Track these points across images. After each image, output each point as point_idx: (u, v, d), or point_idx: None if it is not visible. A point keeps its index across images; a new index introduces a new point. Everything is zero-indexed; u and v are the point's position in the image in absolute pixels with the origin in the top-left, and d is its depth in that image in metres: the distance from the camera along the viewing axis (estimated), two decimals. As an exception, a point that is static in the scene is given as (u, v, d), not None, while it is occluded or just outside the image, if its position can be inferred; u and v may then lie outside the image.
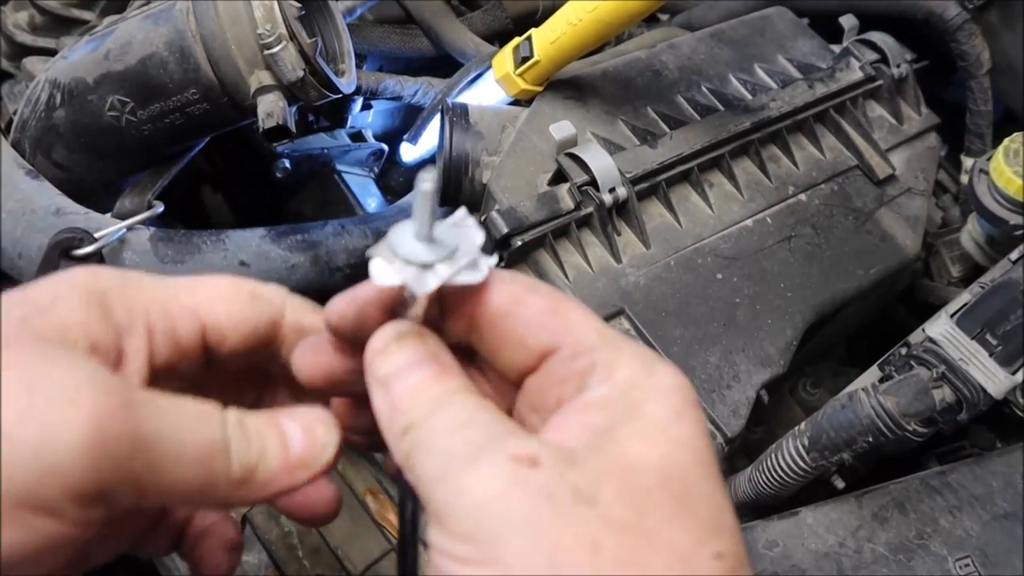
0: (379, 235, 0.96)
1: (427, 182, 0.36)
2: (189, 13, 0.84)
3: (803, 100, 0.96)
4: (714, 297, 0.84)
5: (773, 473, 0.79)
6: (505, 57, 0.94)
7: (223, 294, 0.41)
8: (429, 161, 1.16)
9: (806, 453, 0.77)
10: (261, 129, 0.84)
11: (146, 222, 0.87)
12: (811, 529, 0.75)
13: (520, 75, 0.92)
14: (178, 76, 0.84)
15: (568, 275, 0.81)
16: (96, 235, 0.82)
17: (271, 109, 0.83)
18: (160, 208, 0.89)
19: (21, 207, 0.86)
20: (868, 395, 0.77)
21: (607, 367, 0.37)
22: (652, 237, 0.85)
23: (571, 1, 0.86)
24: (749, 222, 0.90)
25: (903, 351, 0.84)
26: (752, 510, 0.81)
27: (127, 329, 0.37)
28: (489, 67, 0.98)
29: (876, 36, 1.05)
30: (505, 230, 0.78)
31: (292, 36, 0.82)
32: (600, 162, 0.82)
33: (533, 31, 0.91)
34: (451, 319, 0.39)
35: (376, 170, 1.22)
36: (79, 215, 0.86)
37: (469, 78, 1.00)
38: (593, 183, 0.82)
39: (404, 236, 0.37)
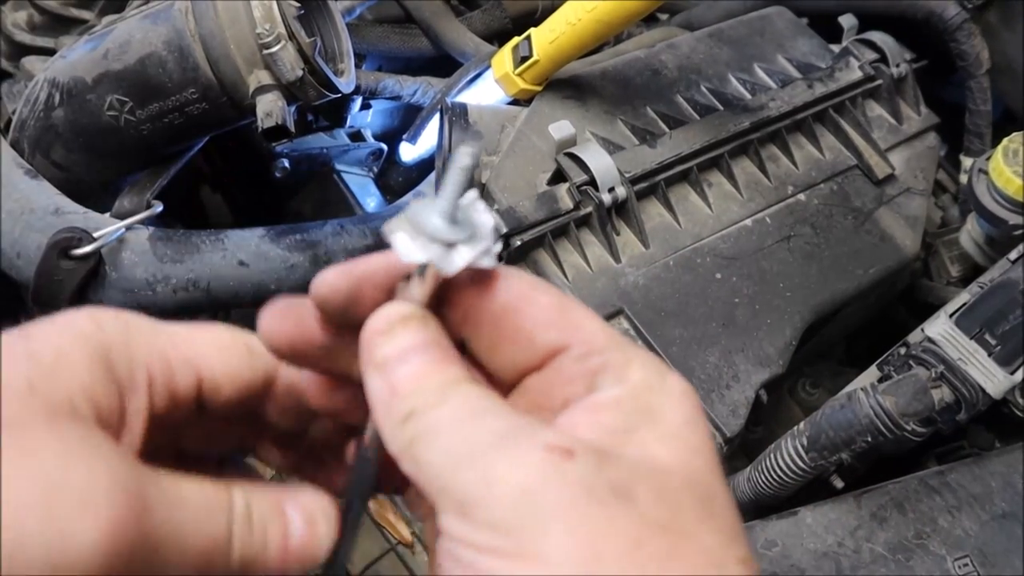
0: (378, 235, 0.96)
1: (466, 156, 0.35)
2: (188, 12, 0.84)
3: (802, 100, 0.96)
4: (713, 297, 0.84)
5: (772, 473, 0.79)
6: (504, 57, 0.94)
7: (221, 346, 0.40)
8: (428, 161, 1.16)
9: (805, 453, 0.77)
10: (260, 129, 0.84)
11: (145, 222, 0.87)
12: (810, 529, 0.75)
13: (519, 75, 0.92)
14: (177, 76, 0.84)
15: (567, 275, 0.81)
16: (95, 235, 0.82)
17: (270, 109, 0.83)
18: (159, 208, 0.89)
19: (20, 207, 0.86)
20: (867, 395, 0.77)
21: (619, 369, 0.36)
22: (651, 237, 0.85)
23: (570, 1, 0.86)
24: (748, 222, 0.90)
25: (902, 351, 0.84)
26: (751, 510, 0.81)
27: (129, 387, 0.36)
28: (488, 67, 0.98)
29: (875, 36, 1.05)
30: (504, 230, 0.78)
31: (291, 36, 0.82)
32: (599, 162, 0.82)
33: (532, 31, 0.91)
34: (447, 309, 0.38)
35: (375, 170, 1.22)
36: (78, 215, 0.86)
37: (468, 78, 1.00)
38: (592, 183, 0.82)
39: (428, 213, 0.35)
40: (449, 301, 0.38)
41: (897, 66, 1.03)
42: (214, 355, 0.39)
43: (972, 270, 1.01)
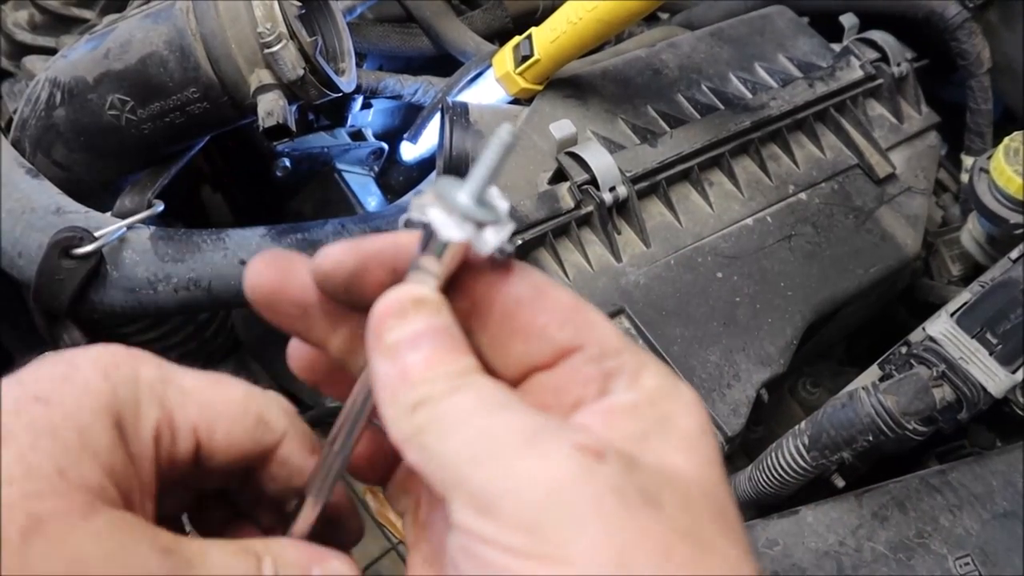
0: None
1: (507, 133, 0.33)
2: (189, 12, 0.84)
3: (803, 99, 0.96)
4: (714, 296, 0.84)
5: (773, 472, 0.79)
6: (505, 56, 0.94)
7: (229, 413, 0.38)
8: (429, 160, 1.16)
9: (806, 452, 0.77)
10: (261, 128, 0.84)
11: (146, 221, 0.87)
12: (811, 528, 0.75)
13: (520, 74, 0.92)
14: (178, 75, 0.84)
15: (568, 274, 0.81)
16: (96, 234, 0.82)
17: (271, 108, 0.83)
18: (160, 207, 0.89)
19: (21, 206, 0.86)
20: (868, 394, 0.77)
21: (633, 373, 0.35)
22: (652, 236, 0.85)
23: (571, 0, 0.86)
24: (749, 221, 0.90)
25: (903, 350, 0.84)
26: (752, 509, 0.82)
27: (140, 459, 0.36)
28: (489, 66, 0.98)
29: (876, 35, 1.05)
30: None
31: (292, 35, 0.82)
32: (600, 161, 0.82)
33: (533, 30, 0.91)
34: (455, 298, 0.36)
35: (376, 169, 1.22)
36: (79, 214, 0.86)
37: (469, 77, 1.00)
38: (593, 182, 0.82)
39: (458, 191, 0.34)
40: (458, 289, 0.36)
41: (898, 65, 1.03)
42: (219, 423, 0.38)
43: (973, 269, 1.01)
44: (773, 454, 0.79)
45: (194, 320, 1.05)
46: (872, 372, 0.86)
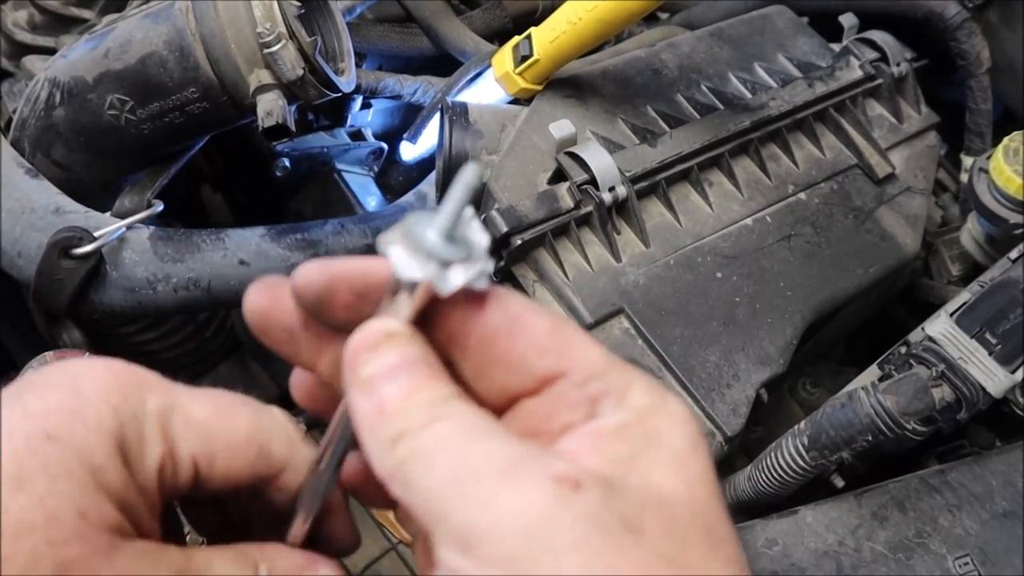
0: (378, 234, 0.96)
1: (471, 174, 0.34)
2: (189, 12, 0.84)
3: (803, 99, 0.96)
4: (714, 296, 0.84)
5: (773, 472, 0.79)
6: (505, 56, 0.94)
7: (231, 446, 0.38)
8: (429, 160, 1.16)
9: (805, 452, 0.77)
10: (261, 128, 0.84)
11: (146, 221, 0.88)
12: (810, 528, 0.75)
13: (520, 74, 0.92)
14: (177, 75, 0.84)
15: (568, 274, 0.81)
16: (96, 234, 0.82)
17: (271, 108, 0.83)
18: (160, 207, 0.89)
19: (20, 206, 0.86)
20: (868, 394, 0.77)
21: (619, 393, 0.35)
22: (652, 236, 0.85)
23: (570, 0, 0.86)
24: (749, 221, 0.90)
25: (903, 350, 0.84)
26: (752, 509, 0.82)
27: (145, 489, 0.36)
28: (489, 66, 0.98)
29: (876, 35, 1.05)
30: (505, 229, 0.78)
31: (291, 35, 0.82)
32: (600, 161, 0.82)
33: (533, 30, 0.91)
34: (433, 328, 0.36)
35: (376, 169, 1.22)
36: (78, 214, 0.86)
37: (469, 77, 1.00)
38: (593, 182, 0.82)
39: (426, 228, 0.34)
40: (435, 320, 0.36)
41: (898, 65, 1.03)
42: (220, 453, 0.38)
43: (972, 269, 1.01)
44: (772, 454, 0.79)
45: (194, 320, 1.05)
46: (871, 372, 0.86)
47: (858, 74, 1.01)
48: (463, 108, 0.90)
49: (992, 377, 0.76)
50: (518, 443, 0.32)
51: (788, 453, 0.78)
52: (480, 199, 0.88)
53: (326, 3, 0.93)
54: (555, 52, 0.89)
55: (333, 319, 0.37)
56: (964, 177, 1.07)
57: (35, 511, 0.32)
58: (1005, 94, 1.12)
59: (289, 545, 0.40)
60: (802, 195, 0.94)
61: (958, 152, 1.11)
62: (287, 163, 1.12)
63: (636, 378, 0.36)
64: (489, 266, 0.35)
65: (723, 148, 0.90)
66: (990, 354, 0.77)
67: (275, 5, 0.82)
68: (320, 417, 0.42)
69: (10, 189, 0.87)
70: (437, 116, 0.93)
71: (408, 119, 1.21)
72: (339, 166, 1.17)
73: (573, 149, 0.83)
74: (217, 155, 1.20)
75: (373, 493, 0.41)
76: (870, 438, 0.76)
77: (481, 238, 0.35)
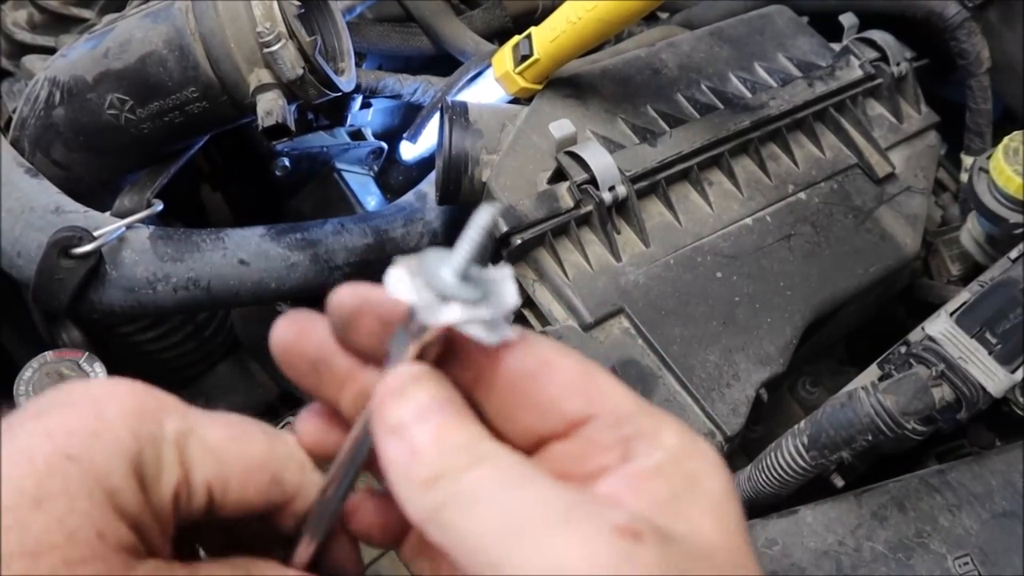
0: (379, 234, 0.96)
1: (487, 215, 0.33)
2: (188, 11, 0.84)
3: (803, 98, 0.96)
4: (714, 296, 0.84)
5: (772, 472, 0.79)
6: (505, 55, 0.94)
7: (244, 472, 0.38)
8: (429, 160, 1.16)
9: (805, 452, 0.77)
10: (260, 127, 0.83)
11: (145, 221, 0.87)
12: (810, 528, 0.75)
13: (520, 73, 0.92)
14: (177, 74, 0.84)
15: (568, 274, 0.81)
16: (95, 234, 0.82)
17: (270, 107, 0.83)
18: (159, 207, 0.89)
19: (20, 205, 0.86)
20: (867, 394, 0.77)
21: (652, 435, 0.35)
22: (652, 236, 0.85)
23: (570, 0, 0.86)
24: (749, 221, 0.90)
25: (903, 350, 0.84)
26: (751, 509, 0.82)
27: (160, 513, 0.36)
28: (489, 65, 0.98)
29: (876, 34, 1.05)
30: (504, 229, 0.78)
31: (291, 34, 0.82)
32: (600, 160, 0.82)
33: (533, 29, 0.91)
34: (459, 369, 0.36)
35: (376, 168, 1.22)
36: (78, 214, 0.86)
37: (469, 76, 1.00)
38: (593, 181, 0.82)
39: (438, 261, 0.34)
40: (460, 360, 0.37)
41: (898, 65, 1.03)
42: (233, 483, 0.38)
43: (972, 269, 1.01)
44: (772, 454, 0.79)
45: (193, 320, 1.05)
46: (871, 372, 0.86)
47: (858, 74, 1.01)
48: (463, 108, 0.90)
49: (992, 377, 0.76)
50: (567, 488, 0.32)
51: (788, 453, 0.78)
52: (482, 199, 0.88)
53: (326, 3, 0.93)
54: (555, 52, 0.89)
55: (358, 344, 0.38)
56: (964, 177, 1.07)
57: (54, 531, 0.32)
58: (1005, 94, 1.12)
59: (294, 566, 0.40)
60: (802, 195, 0.94)
61: (958, 152, 1.11)
62: (287, 163, 1.12)
63: (666, 420, 0.36)
64: (503, 323, 0.35)
65: (723, 148, 0.90)
66: (990, 354, 0.77)
67: (275, 5, 0.82)
68: (327, 456, 0.41)
69: (10, 189, 0.87)
70: (437, 116, 0.93)
71: (408, 119, 1.21)
72: (339, 166, 1.16)
73: (573, 149, 0.83)
74: (217, 154, 1.19)
75: (374, 534, 0.41)
76: (870, 438, 0.76)
77: (509, 297, 0.35)
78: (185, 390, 1.12)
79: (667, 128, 0.92)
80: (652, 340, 0.79)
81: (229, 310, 1.11)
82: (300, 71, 0.82)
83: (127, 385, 0.37)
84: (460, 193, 0.89)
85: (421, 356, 0.35)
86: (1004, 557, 0.74)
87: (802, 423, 0.79)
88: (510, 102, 0.97)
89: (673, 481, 0.34)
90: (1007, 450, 0.81)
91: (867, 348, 1.03)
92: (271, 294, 0.90)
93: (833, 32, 1.09)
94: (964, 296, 0.83)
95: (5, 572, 0.31)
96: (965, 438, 0.89)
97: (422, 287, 0.33)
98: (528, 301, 0.83)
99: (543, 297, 0.82)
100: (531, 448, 0.37)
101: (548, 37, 0.88)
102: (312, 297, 1.09)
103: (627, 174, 0.83)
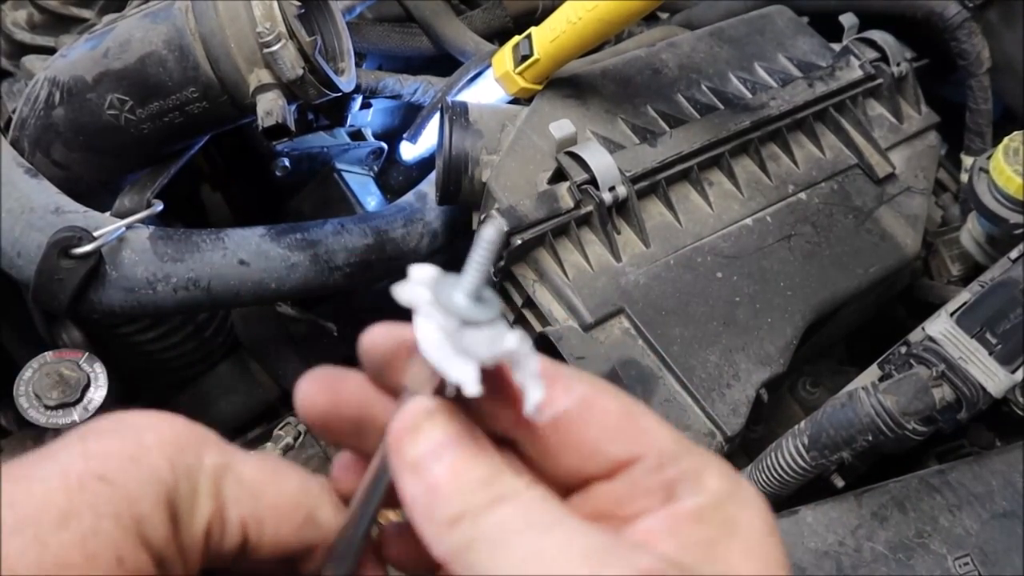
0: (378, 234, 0.96)
1: (494, 232, 0.33)
2: (188, 11, 0.84)
3: (803, 99, 0.96)
4: (714, 296, 0.84)
5: (773, 472, 0.79)
6: (505, 55, 0.94)
7: (280, 510, 0.38)
8: (429, 160, 1.16)
9: (806, 452, 0.77)
10: (260, 128, 0.83)
11: (145, 221, 0.87)
12: (811, 528, 0.75)
13: (520, 73, 0.92)
14: (177, 74, 0.84)
15: (568, 274, 0.81)
16: (95, 234, 0.82)
17: (270, 107, 0.83)
18: (159, 207, 0.89)
19: (20, 206, 0.86)
20: (868, 394, 0.77)
21: (696, 476, 0.35)
22: (652, 236, 0.85)
23: (571, 0, 0.86)
24: (749, 221, 0.90)
25: (903, 350, 0.84)
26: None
27: (188, 551, 0.36)
28: (489, 65, 0.98)
29: (876, 35, 1.05)
30: (505, 229, 0.78)
31: (291, 34, 0.82)
32: (600, 161, 0.82)
33: (533, 29, 0.91)
34: (499, 408, 0.36)
35: (376, 169, 1.22)
36: (78, 214, 0.86)
37: (469, 76, 1.00)
38: (593, 182, 0.82)
39: (454, 292, 0.33)
40: (500, 399, 0.36)
41: (898, 65, 1.03)
42: (268, 521, 0.37)
43: (973, 269, 1.01)
44: (773, 454, 0.79)
45: (193, 320, 1.05)
46: (872, 372, 0.86)
47: (858, 74, 1.01)
48: (463, 108, 0.90)
49: (992, 377, 0.76)
50: (595, 530, 0.32)
51: (788, 453, 0.78)
52: (482, 199, 0.88)
53: (326, 3, 0.93)
54: (555, 52, 0.89)
55: (396, 383, 0.37)
56: (964, 177, 1.07)
57: (75, 550, 0.31)
58: (1005, 94, 1.12)
59: None
60: (802, 195, 0.94)
61: (958, 152, 1.11)
62: (287, 163, 1.12)
63: (710, 460, 0.36)
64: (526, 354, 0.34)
65: (723, 148, 0.90)
66: (990, 354, 0.77)
67: (275, 5, 0.82)
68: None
69: (10, 189, 0.87)
70: (437, 116, 0.93)
71: (408, 119, 1.21)
72: (339, 166, 1.16)
73: (573, 149, 0.83)
74: (217, 155, 1.19)
75: (410, 565, 0.41)
76: (870, 438, 0.76)
77: (510, 342, 0.34)
78: (185, 390, 1.13)
79: (667, 128, 0.92)
80: (652, 340, 0.79)
81: (229, 310, 1.11)
82: (300, 71, 0.82)
83: (169, 417, 0.37)
84: (460, 193, 0.89)
85: (440, 390, 0.35)
86: (1004, 557, 0.74)
87: (802, 423, 0.79)
88: (510, 102, 0.97)
89: (711, 525, 0.34)
90: (1007, 450, 0.81)
91: (867, 348, 1.03)
92: (271, 294, 0.90)
93: (833, 32, 1.09)
94: (964, 296, 0.83)
95: None
96: (965, 438, 0.89)
97: (458, 356, 0.33)
98: (528, 301, 0.83)
99: (543, 297, 0.82)
100: (574, 487, 0.36)
101: (548, 37, 0.88)
102: (311, 297, 1.09)
103: (627, 174, 0.83)
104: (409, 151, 1.16)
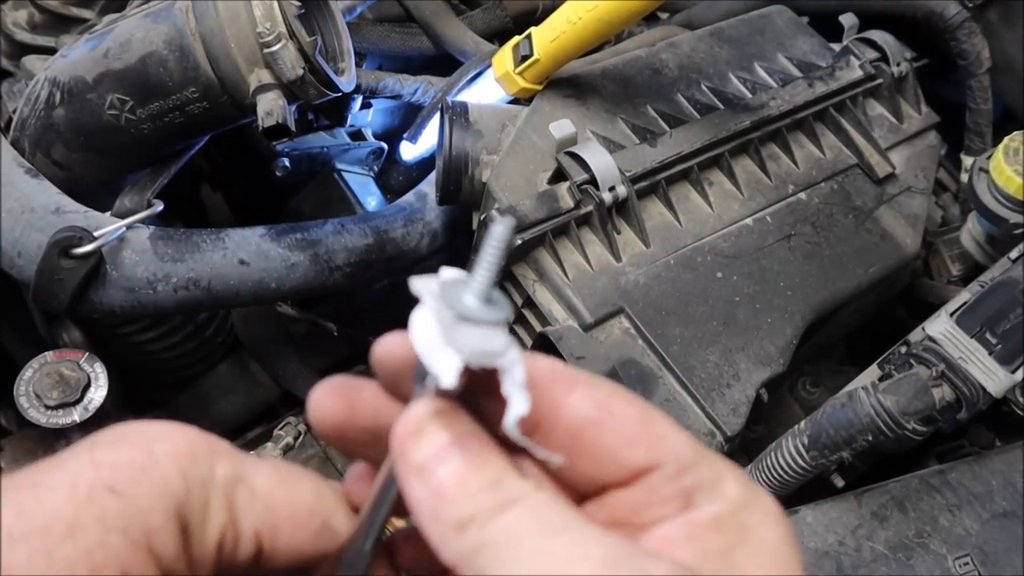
0: (378, 233, 0.96)
1: (505, 230, 0.33)
2: (189, 11, 0.84)
3: (803, 99, 0.96)
4: (714, 296, 0.84)
5: (773, 472, 0.79)
6: (505, 56, 0.94)
7: (295, 518, 0.37)
8: (429, 160, 1.16)
9: (806, 452, 0.77)
10: (260, 128, 0.83)
11: (146, 221, 0.87)
12: (811, 528, 0.75)
13: (520, 73, 0.92)
14: (178, 74, 0.84)
15: (568, 274, 0.81)
16: (96, 234, 0.82)
17: (271, 108, 0.83)
18: (159, 207, 0.89)
19: (20, 206, 0.86)
20: (868, 394, 0.77)
21: (713, 484, 0.35)
22: (652, 236, 0.85)
23: (571, 0, 0.86)
24: (749, 221, 0.90)
25: (903, 350, 0.84)
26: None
27: (199, 564, 0.35)
28: (489, 66, 0.98)
29: (876, 35, 1.05)
30: (514, 226, 0.78)
31: (292, 34, 0.82)
32: (600, 161, 0.82)
33: (533, 29, 0.91)
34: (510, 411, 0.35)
35: (376, 169, 1.22)
36: (78, 214, 0.86)
37: (469, 77, 1.00)
38: (593, 182, 0.82)
39: (462, 287, 0.33)
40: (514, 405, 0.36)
41: (898, 65, 1.03)
42: (283, 529, 0.37)
43: (973, 269, 1.01)
44: (773, 454, 0.79)
45: (193, 320, 1.05)
46: (872, 372, 0.86)
47: (858, 74, 1.01)
48: (463, 108, 0.90)
49: (992, 377, 0.76)
50: (608, 536, 0.32)
51: (788, 453, 0.78)
52: (482, 199, 0.88)
53: (326, 3, 0.93)
54: (555, 52, 0.89)
55: (409, 392, 0.37)
56: (964, 177, 1.07)
57: (80, 562, 0.31)
58: (1005, 94, 1.12)
59: None
60: (802, 195, 0.94)
61: (958, 152, 1.11)
62: (287, 163, 1.12)
63: (727, 469, 0.36)
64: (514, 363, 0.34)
65: (723, 148, 0.90)
66: (990, 354, 0.77)
67: (275, 5, 0.82)
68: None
69: (10, 189, 0.87)
70: (437, 116, 0.93)
71: (408, 119, 1.21)
72: (339, 166, 1.16)
73: (573, 149, 0.83)
74: (217, 155, 1.19)
75: (422, 568, 0.40)
76: (870, 438, 0.76)
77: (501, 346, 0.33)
78: (185, 390, 1.13)
79: (667, 128, 0.92)
80: (652, 340, 0.79)
81: (229, 310, 1.11)
82: (300, 71, 0.82)
83: (181, 427, 0.37)
84: (460, 193, 0.89)
85: (444, 393, 0.34)
86: (1004, 557, 0.74)
87: (802, 423, 0.79)
88: (510, 102, 0.97)
89: (728, 533, 0.34)
90: (1007, 450, 0.81)
91: (867, 348, 1.03)
92: (271, 294, 0.90)
93: (833, 32, 1.09)
94: (964, 296, 0.83)
95: None
96: (965, 438, 0.89)
97: (438, 334, 0.33)
98: (528, 301, 0.83)
99: (543, 297, 0.82)
100: (591, 494, 0.36)
101: (548, 37, 0.88)
102: (311, 297, 1.09)
103: (627, 174, 0.83)
104: (409, 151, 1.17)
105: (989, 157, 0.92)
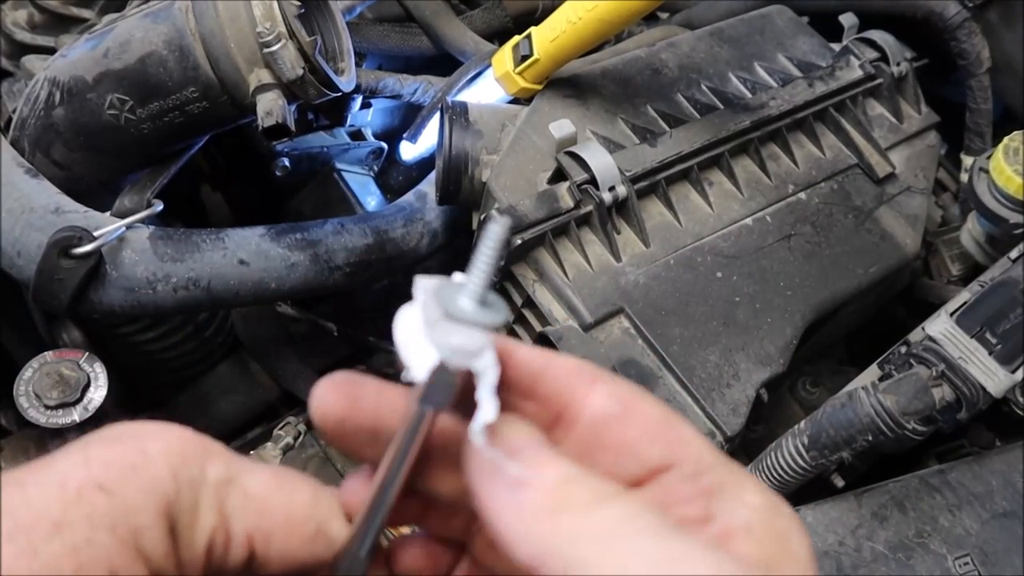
0: (378, 233, 0.96)
1: (502, 228, 0.33)
2: (188, 11, 0.84)
3: (803, 98, 0.96)
4: (714, 296, 0.84)
5: (773, 472, 0.79)
6: (505, 55, 0.94)
7: (289, 523, 0.37)
8: (429, 160, 1.16)
9: (805, 452, 0.77)
10: (260, 127, 0.83)
11: (145, 221, 0.87)
12: (811, 528, 0.75)
13: (520, 73, 0.92)
14: (177, 74, 0.84)
15: (568, 274, 0.81)
16: (95, 234, 0.82)
17: (270, 107, 0.83)
18: (159, 207, 0.89)
19: (20, 205, 0.86)
20: (868, 394, 0.77)
21: (735, 491, 0.35)
22: (652, 236, 0.85)
23: (571, 0, 0.86)
24: (749, 221, 0.90)
25: (903, 350, 0.84)
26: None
27: (188, 566, 0.35)
28: (489, 65, 0.98)
29: (876, 34, 1.05)
30: (510, 226, 0.78)
31: (291, 34, 0.82)
32: (600, 160, 0.82)
33: (533, 29, 0.91)
34: (537, 409, 0.36)
35: (376, 169, 1.22)
36: (78, 214, 0.86)
37: (469, 76, 1.00)
38: (593, 181, 0.82)
39: (460, 297, 0.33)
40: (540, 400, 0.36)
41: (898, 65, 1.03)
42: (276, 534, 0.37)
43: (972, 269, 1.02)
44: (773, 454, 0.79)
45: (193, 320, 1.05)
46: (872, 372, 0.86)
47: (858, 74, 1.01)
48: (463, 108, 0.90)
49: (992, 377, 0.76)
50: (708, 547, 0.32)
51: (788, 453, 0.78)
52: (482, 199, 0.88)
53: (326, 3, 0.93)
54: (555, 52, 0.89)
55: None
56: (964, 177, 1.07)
57: (65, 560, 0.31)
58: (1005, 94, 1.12)
59: None
60: (802, 195, 0.94)
61: (958, 152, 1.11)
62: (287, 163, 1.12)
63: (745, 475, 0.36)
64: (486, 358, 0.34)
65: (723, 148, 0.90)
66: (990, 354, 0.77)
67: (275, 5, 0.82)
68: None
69: (10, 189, 0.87)
70: (437, 116, 0.93)
71: (408, 119, 1.21)
72: (339, 166, 1.16)
73: (573, 149, 0.83)
74: (217, 154, 1.19)
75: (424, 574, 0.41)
76: (870, 438, 0.76)
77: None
78: (185, 390, 1.13)
79: (667, 128, 0.92)
80: (652, 340, 0.79)
81: (229, 310, 1.11)
82: (300, 71, 0.82)
83: (176, 428, 0.36)
84: (460, 193, 0.89)
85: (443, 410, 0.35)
86: (1004, 557, 0.74)
87: (802, 423, 0.79)
88: (510, 102, 0.97)
89: (766, 544, 0.34)
90: (1007, 450, 0.81)
91: (867, 348, 1.03)
92: (271, 294, 0.90)
93: (833, 32, 1.09)
94: (964, 296, 0.83)
95: None
96: (965, 438, 0.89)
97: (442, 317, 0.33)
98: (528, 301, 0.83)
99: (543, 297, 0.82)
100: None
101: (548, 37, 0.88)
102: (311, 297, 1.09)
103: (627, 174, 0.83)
104: (409, 151, 1.17)
105: (989, 157, 0.92)
